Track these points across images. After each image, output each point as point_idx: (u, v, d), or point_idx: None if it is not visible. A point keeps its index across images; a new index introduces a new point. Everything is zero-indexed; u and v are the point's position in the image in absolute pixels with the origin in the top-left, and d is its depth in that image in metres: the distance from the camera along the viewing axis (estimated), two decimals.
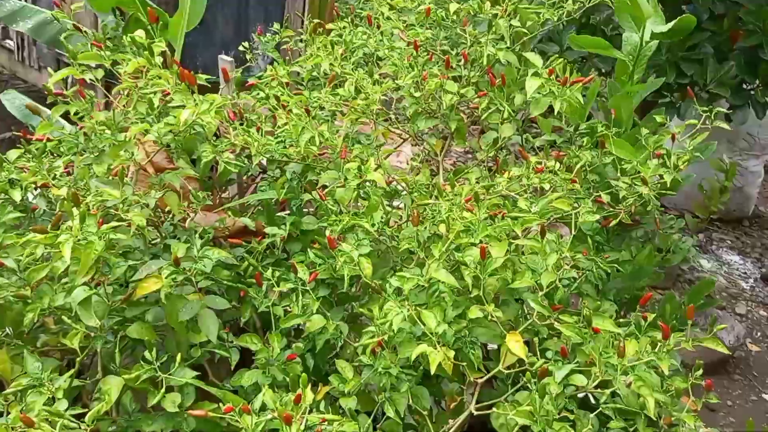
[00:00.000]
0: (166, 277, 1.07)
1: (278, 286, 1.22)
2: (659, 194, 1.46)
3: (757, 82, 3.39)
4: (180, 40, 2.27)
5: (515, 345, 1.10)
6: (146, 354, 1.04)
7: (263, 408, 0.96)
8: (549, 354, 1.11)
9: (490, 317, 1.11)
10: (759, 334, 3.77)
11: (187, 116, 1.10)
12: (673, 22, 1.64)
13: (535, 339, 1.14)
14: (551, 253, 1.12)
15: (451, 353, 1.09)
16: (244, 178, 1.91)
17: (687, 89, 2.95)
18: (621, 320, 1.47)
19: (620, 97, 1.53)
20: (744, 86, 3.49)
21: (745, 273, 4.39)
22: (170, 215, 1.51)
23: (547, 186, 1.20)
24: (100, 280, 1.10)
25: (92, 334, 1.08)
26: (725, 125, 1.44)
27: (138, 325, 1.17)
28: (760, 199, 5.21)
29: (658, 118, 1.53)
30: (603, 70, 3.18)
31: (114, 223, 1.06)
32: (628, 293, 1.97)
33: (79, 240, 1.00)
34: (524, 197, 1.19)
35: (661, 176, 1.43)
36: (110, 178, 1.17)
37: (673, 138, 1.45)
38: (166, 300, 1.10)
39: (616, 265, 1.59)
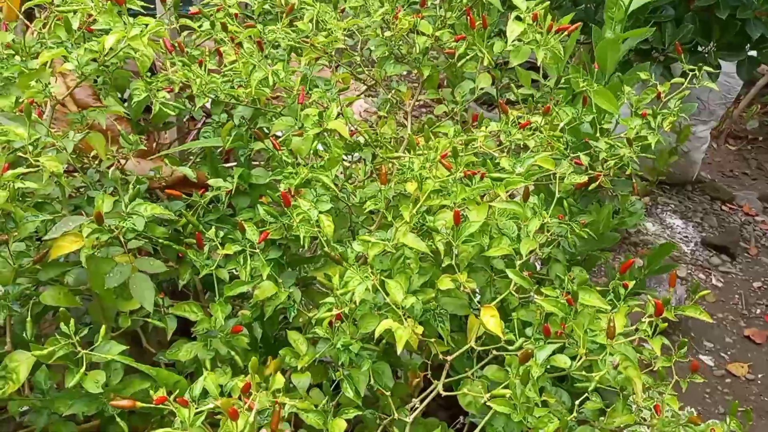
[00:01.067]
0: (87, 236, 0.89)
1: (223, 247, 1.06)
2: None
3: (711, 44, 3.38)
4: None
5: (490, 320, 0.99)
6: (62, 325, 0.87)
7: (204, 395, 0.82)
8: (529, 331, 1.01)
9: (462, 288, 0.99)
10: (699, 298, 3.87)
11: (113, 42, 0.90)
12: None
13: (513, 316, 1.03)
14: (533, 218, 1.00)
15: (420, 329, 0.97)
16: (185, 121, 1.71)
17: (675, 46, 2.89)
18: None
19: (607, 43, 1.40)
20: (698, 49, 3.47)
21: (687, 237, 4.49)
22: (97, 161, 1.31)
23: (531, 144, 1.08)
24: (3, 238, 0.91)
25: None
26: (713, 85, 1.35)
27: (54, 290, 0.99)
28: (703, 165, 5.32)
29: (642, 75, 1.42)
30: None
31: (21, 170, 0.87)
32: (583, 254, 1.91)
33: None
34: (505, 155, 1.06)
35: (643, 138, 1.33)
36: (17, 113, 0.96)
37: (658, 96, 1.35)
38: (87, 263, 0.92)
39: (588, 230, 1.49)
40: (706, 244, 4.39)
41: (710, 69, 3.58)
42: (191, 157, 1.60)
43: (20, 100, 0.96)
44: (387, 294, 1.01)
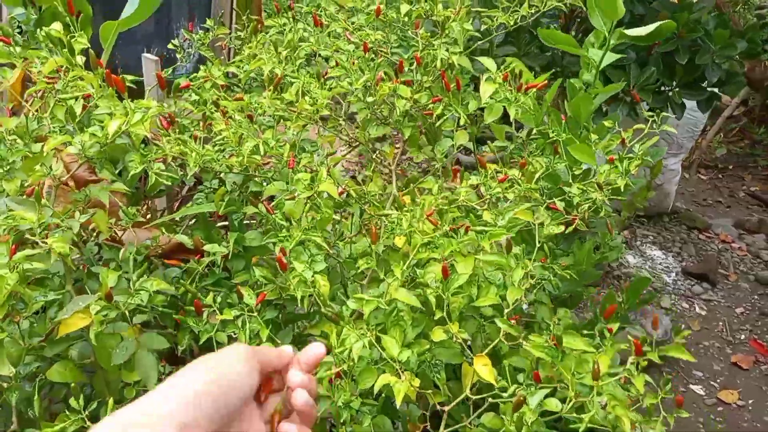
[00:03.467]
0: (95, 314, 0.93)
1: (221, 313, 1.10)
2: (610, 199, 1.45)
3: (674, 84, 3.56)
4: (113, 37, 2.05)
5: (483, 369, 1.04)
6: (71, 401, 0.90)
7: None
8: (521, 377, 1.06)
9: (454, 338, 1.04)
10: (684, 326, 3.94)
11: (116, 127, 0.96)
12: (653, 26, 1.64)
13: (504, 362, 1.08)
14: (517, 268, 1.06)
15: (417, 381, 1.01)
16: (176, 188, 1.76)
17: (632, 94, 3.04)
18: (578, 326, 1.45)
19: (581, 98, 1.50)
20: (662, 89, 3.66)
21: (668, 267, 4.59)
22: (95, 234, 1.36)
23: (511, 196, 1.15)
24: (15, 319, 0.94)
25: (5, 385, 0.92)
26: (672, 129, 1.44)
27: (61, 366, 1.02)
28: (678, 196, 5.48)
29: (607, 123, 1.51)
30: (569, 73, 3.23)
31: (29, 251, 0.91)
32: (567, 292, 1.98)
33: None
34: (487, 209, 1.13)
35: (613, 181, 1.41)
36: (24, 197, 1.01)
37: (623, 142, 1.44)
38: (96, 340, 0.96)
39: (569, 272, 1.56)
40: (687, 273, 4.49)
41: (674, 107, 3.77)
42: (183, 223, 1.64)
43: (26, 184, 1.01)
44: (383, 349, 1.06)
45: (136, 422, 0.50)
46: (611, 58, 1.78)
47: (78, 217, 1.02)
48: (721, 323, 3.99)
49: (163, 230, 1.35)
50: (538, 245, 1.15)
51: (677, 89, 3.57)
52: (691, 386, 3.41)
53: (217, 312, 1.10)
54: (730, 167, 6.24)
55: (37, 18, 1.82)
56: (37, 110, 1.27)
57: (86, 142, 0.99)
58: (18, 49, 1.12)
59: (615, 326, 1.20)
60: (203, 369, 0.61)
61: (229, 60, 1.79)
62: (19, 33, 1.81)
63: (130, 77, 1.59)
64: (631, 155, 1.39)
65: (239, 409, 0.63)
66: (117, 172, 1.54)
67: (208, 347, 1.31)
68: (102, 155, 1.49)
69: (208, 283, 1.37)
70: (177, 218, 1.60)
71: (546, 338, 1.00)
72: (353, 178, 3.84)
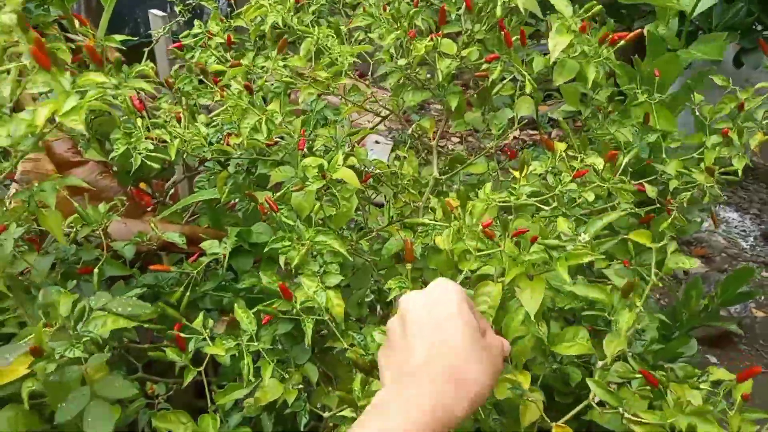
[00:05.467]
0: (28, 367, 0.70)
1: (212, 343, 0.85)
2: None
3: None
4: None
5: None
6: None
7: None
8: None
9: (524, 396, 0.77)
10: (763, 298, 3.54)
11: (44, 117, 0.70)
12: None
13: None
14: (622, 310, 0.75)
15: None
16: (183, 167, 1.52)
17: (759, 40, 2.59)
18: None
19: (668, 59, 1.15)
20: (755, 27, 3.15)
21: (744, 231, 4.14)
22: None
23: (591, 197, 0.84)
24: None
25: None
26: None
27: (11, 411, 0.81)
28: (755, 150, 4.94)
29: (717, 80, 1.16)
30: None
31: None
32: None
33: None
34: (559, 210, 0.83)
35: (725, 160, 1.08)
36: None
37: (740, 108, 1.10)
38: (45, 386, 0.74)
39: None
40: (767, 237, 4.04)
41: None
42: (190, 209, 1.41)
43: None
44: None
45: None
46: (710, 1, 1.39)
47: (13, 231, 0.78)
48: None
49: (153, 225, 1.10)
50: (654, 279, 0.83)
51: None
52: None
53: (209, 344, 0.86)
54: None
55: None
56: None
57: (19, 131, 0.74)
58: None
59: (748, 389, 0.86)
60: None
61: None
62: None
63: (119, 37, 1.34)
64: (751, 124, 1.05)
65: None
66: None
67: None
68: (88, 131, 1.26)
69: (207, 289, 1.13)
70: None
71: (660, 415, 0.70)
72: (394, 140, 3.51)
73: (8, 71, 0.77)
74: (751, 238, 4.03)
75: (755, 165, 4.78)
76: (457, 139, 4.05)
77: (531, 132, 4.07)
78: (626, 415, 0.70)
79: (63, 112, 0.68)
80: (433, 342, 0.64)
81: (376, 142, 3.40)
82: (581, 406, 0.75)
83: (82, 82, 0.72)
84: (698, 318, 1.71)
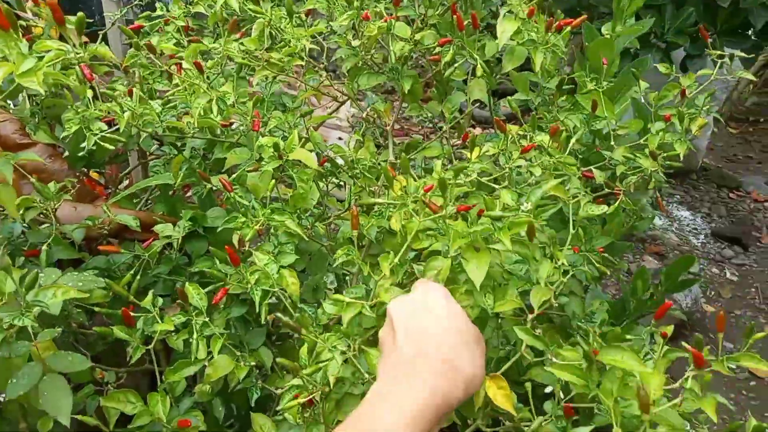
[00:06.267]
0: None
1: (161, 321, 0.85)
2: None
3: (715, 29, 3.19)
4: None
5: (500, 396, 0.79)
6: None
7: None
8: (548, 406, 0.80)
9: None
10: (713, 293, 3.68)
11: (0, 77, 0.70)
12: None
13: (527, 385, 0.82)
14: (543, 261, 0.80)
15: None
16: (137, 152, 1.49)
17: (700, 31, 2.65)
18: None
19: (600, 42, 1.19)
20: (699, 34, 3.28)
21: (696, 229, 4.29)
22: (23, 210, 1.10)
23: (538, 171, 0.87)
24: None
25: None
26: (750, 75, 1.15)
27: None
28: (707, 151, 5.12)
29: (661, 68, 1.21)
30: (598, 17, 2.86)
31: None
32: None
33: None
34: (506, 186, 0.86)
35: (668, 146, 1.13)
36: None
37: (683, 94, 1.14)
38: None
39: (606, 254, 1.28)
40: (717, 235, 4.19)
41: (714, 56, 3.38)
42: (144, 195, 1.39)
43: None
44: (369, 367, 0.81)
45: None
46: None
47: None
48: (753, 290, 3.71)
49: (106, 209, 1.09)
50: (573, 231, 0.87)
51: (717, 35, 3.20)
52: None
53: (157, 321, 0.85)
54: (762, 120, 5.83)
55: None
56: None
57: None
58: None
59: (669, 330, 0.93)
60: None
61: None
62: None
63: (73, 18, 1.31)
64: (692, 111, 1.09)
65: None
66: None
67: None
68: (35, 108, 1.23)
69: (161, 272, 1.12)
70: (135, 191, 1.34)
71: (579, 353, 0.73)
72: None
73: None
74: (702, 236, 4.18)
75: (707, 166, 4.95)
76: (417, 134, 4.09)
77: (492, 131, 4.14)
78: (553, 359, 0.73)
79: (20, 72, 0.67)
80: (424, 339, 0.67)
81: (339, 138, 3.40)
82: (515, 358, 0.78)
83: (39, 47, 0.71)
84: (645, 306, 1.76)
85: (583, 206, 0.89)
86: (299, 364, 0.80)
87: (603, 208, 0.90)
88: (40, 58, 0.75)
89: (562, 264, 0.85)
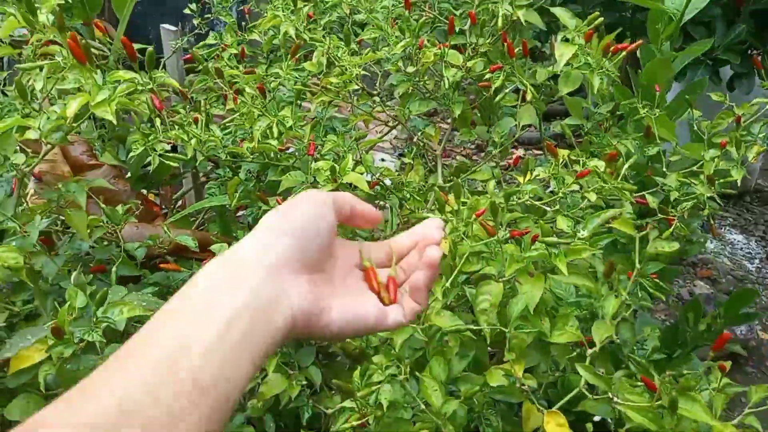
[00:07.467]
0: (47, 351, 0.73)
1: None
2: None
3: (763, 47, 3.10)
4: (128, 8, 1.84)
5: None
6: None
7: None
8: None
9: (518, 384, 0.79)
10: None
11: (75, 108, 0.75)
12: None
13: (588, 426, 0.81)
14: (609, 296, 0.79)
15: None
16: (192, 173, 1.55)
17: (752, 58, 2.59)
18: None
19: (657, 63, 1.18)
20: (749, 52, 3.20)
21: (750, 253, 4.14)
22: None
23: (593, 197, 0.87)
24: None
25: None
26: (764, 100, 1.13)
27: (24, 400, 0.83)
28: (760, 173, 4.95)
29: (714, 96, 1.19)
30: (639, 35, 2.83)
31: None
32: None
33: None
34: (560, 212, 0.86)
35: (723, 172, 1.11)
36: None
37: (738, 121, 1.12)
38: (58, 373, 0.76)
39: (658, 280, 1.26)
40: None
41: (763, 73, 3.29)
42: (200, 216, 1.44)
43: None
44: (422, 396, 0.82)
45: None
46: (695, 8, 1.43)
47: (38, 223, 0.81)
48: None
49: (165, 229, 1.14)
50: (639, 266, 0.86)
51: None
52: None
53: None
54: None
55: None
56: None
57: (48, 124, 0.78)
58: None
59: (728, 364, 0.91)
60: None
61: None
62: None
63: (136, 45, 1.38)
64: (748, 138, 1.07)
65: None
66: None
67: None
68: (105, 131, 1.29)
69: None
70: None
71: (648, 398, 0.72)
72: (401, 156, 3.55)
73: (41, 68, 0.81)
74: (757, 260, 4.03)
75: (760, 188, 4.78)
76: (464, 158, 4.09)
77: (536, 152, 4.11)
78: (615, 399, 0.72)
79: (95, 103, 0.71)
80: None
81: (382, 159, 3.44)
82: (572, 394, 0.77)
83: (112, 77, 0.75)
84: (702, 338, 1.71)
85: (653, 241, 0.87)
86: (352, 386, 0.82)
87: (675, 245, 0.88)
88: (113, 88, 0.80)
89: (626, 299, 0.84)
